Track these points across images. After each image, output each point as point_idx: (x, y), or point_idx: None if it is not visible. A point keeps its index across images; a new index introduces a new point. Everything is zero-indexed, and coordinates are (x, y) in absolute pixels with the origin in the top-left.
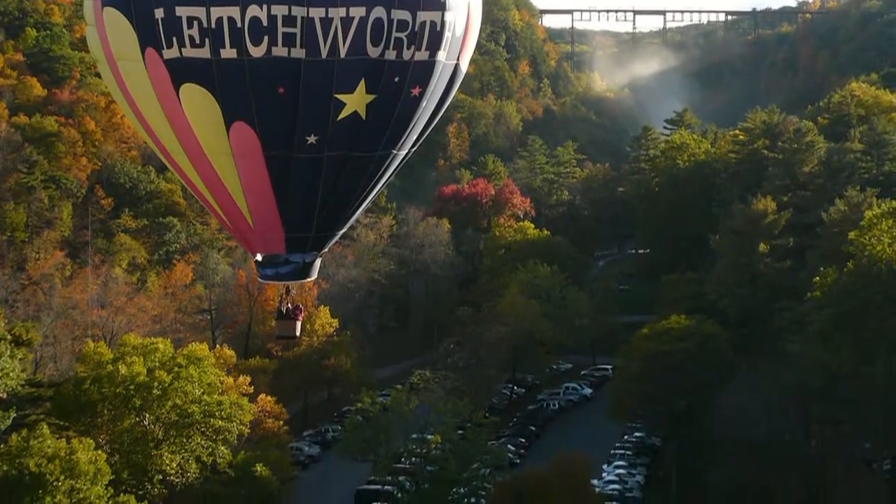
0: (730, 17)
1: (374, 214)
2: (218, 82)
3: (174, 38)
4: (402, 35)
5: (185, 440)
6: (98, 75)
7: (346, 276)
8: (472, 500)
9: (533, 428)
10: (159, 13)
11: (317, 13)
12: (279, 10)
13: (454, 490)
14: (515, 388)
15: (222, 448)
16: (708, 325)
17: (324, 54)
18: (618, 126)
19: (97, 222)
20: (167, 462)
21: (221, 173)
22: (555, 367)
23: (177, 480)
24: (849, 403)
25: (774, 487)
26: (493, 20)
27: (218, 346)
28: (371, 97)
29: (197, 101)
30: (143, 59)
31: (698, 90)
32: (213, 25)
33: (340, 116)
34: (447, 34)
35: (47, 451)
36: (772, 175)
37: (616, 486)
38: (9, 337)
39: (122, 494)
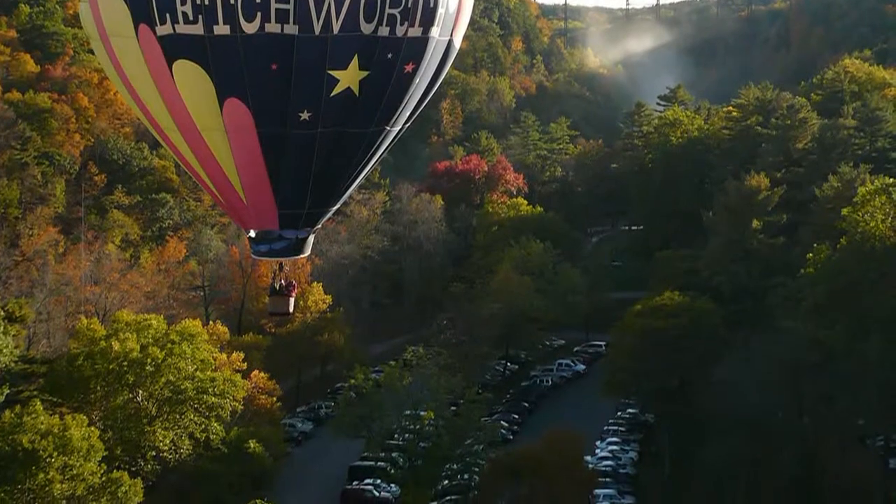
0: None
1: (367, 191)
2: (211, 59)
3: (167, 15)
4: (396, 11)
5: (178, 417)
6: (91, 52)
7: (339, 253)
8: (466, 476)
9: (526, 404)
10: None
11: None
12: None
13: (447, 466)
14: (508, 364)
15: (215, 424)
16: (701, 302)
17: (317, 31)
18: (611, 102)
19: (90, 198)
20: (160, 438)
21: (214, 150)
22: (548, 343)
23: (170, 457)
24: (842, 380)
25: (767, 464)
26: None
27: (211, 322)
28: (364, 73)
29: (190, 78)
30: (137, 35)
31: (691, 66)
32: (207, 2)
33: (333, 93)
34: (440, 10)
35: (40, 427)
36: (765, 151)
37: (609, 463)
38: (2, 313)
39: (115, 471)
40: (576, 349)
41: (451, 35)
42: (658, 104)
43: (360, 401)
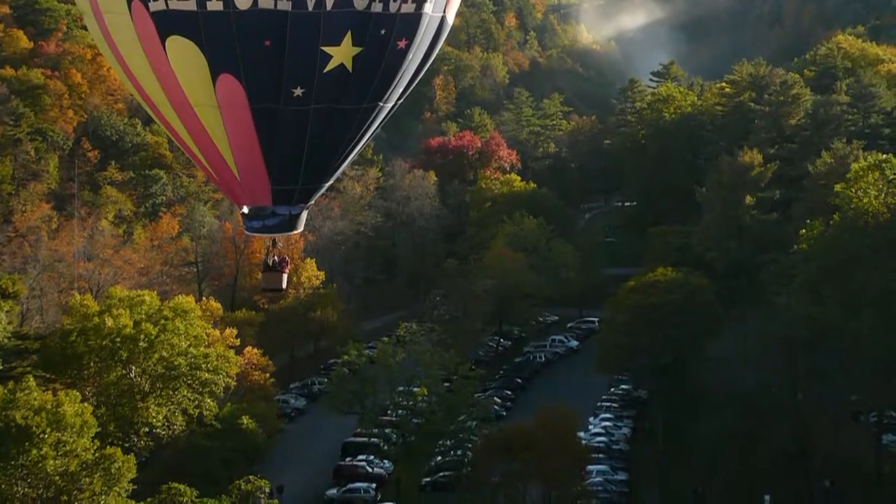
0: None
1: (360, 167)
2: (204, 35)
3: None
4: None
5: (171, 393)
6: (84, 28)
7: (332, 229)
8: (459, 452)
9: (519, 380)
10: None
11: None
12: None
13: (441, 442)
14: (502, 340)
15: (208, 401)
16: (694, 278)
17: (310, 6)
18: (604, 79)
19: (83, 175)
20: (153, 415)
21: (208, 126)
22: (541, 319)
23: (163, 433)
24: (835, 356)
25: (761, 439)
26: None
27: (204, 298)
28: (357, 50)
29: (183, 54)
30: (130, 11)
31: (684, 43)
32: None
33: (327, 69)
34: None
35: (33, 403)
36: (758, 128)
37: (602, 439)
38: None
39: (108, 447)
40: (569, 325)
41: (444, 11)
42: (651, 80)
43: (353, 377)
